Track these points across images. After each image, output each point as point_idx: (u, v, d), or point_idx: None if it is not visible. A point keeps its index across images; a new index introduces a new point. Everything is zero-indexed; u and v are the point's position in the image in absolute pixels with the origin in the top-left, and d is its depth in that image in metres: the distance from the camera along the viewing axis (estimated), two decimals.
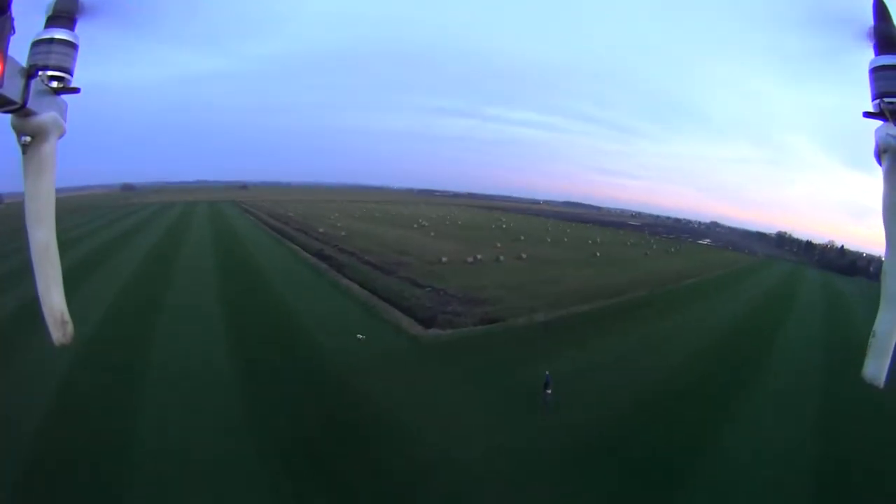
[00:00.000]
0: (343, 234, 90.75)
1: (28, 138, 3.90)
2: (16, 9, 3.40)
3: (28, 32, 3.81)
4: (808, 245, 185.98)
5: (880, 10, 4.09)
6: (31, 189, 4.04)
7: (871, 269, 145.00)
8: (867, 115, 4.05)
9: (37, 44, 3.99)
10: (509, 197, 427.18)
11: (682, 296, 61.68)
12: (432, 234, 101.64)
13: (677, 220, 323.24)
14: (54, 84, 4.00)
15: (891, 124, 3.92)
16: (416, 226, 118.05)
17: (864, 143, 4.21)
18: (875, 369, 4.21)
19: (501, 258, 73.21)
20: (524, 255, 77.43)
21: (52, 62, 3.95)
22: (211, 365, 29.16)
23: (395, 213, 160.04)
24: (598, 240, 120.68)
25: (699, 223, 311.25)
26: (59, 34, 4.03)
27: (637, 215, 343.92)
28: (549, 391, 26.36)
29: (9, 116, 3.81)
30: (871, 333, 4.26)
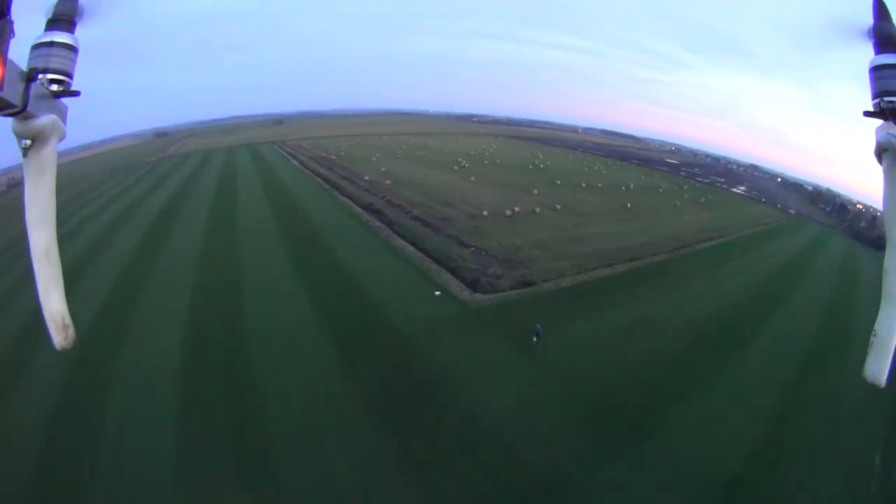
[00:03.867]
0: (388, 182, 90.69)
1: (28, 141, 3.87)
2: (15, 12, 3.37)
3: (28, 36, 3.79)
4: (842, 207, 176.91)
5: (880, 9, 4.15)
6: (31, 192, 4.03)
7: None
8: (867, 113, 4.09)
9: (37, 47, 3.97)
10: (549, 124, 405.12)
11: (695, 262, 60.03)
12: (472, 178, 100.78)
13: (716, 160, 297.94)
14: (54, 87, 3.99)
15: (891, 123, 3.96)
16: (456, 167, 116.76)
17: None
18: (876, 369, 4.22)
19: (538, 210, 73.27)
20: (558, 206, 77.14)
21: (52, 65, 3.95)
22: (301, 320, 35.51)
23: (434, 150, 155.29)
24: (632, 185, 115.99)
25: (738, 165, 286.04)
26: (59, 37, 4.01)
27: (676, 150, 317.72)
28: (536, 339, 32.70)
29: (9, 120, 3.77)
30: (872, 332, 4.26)
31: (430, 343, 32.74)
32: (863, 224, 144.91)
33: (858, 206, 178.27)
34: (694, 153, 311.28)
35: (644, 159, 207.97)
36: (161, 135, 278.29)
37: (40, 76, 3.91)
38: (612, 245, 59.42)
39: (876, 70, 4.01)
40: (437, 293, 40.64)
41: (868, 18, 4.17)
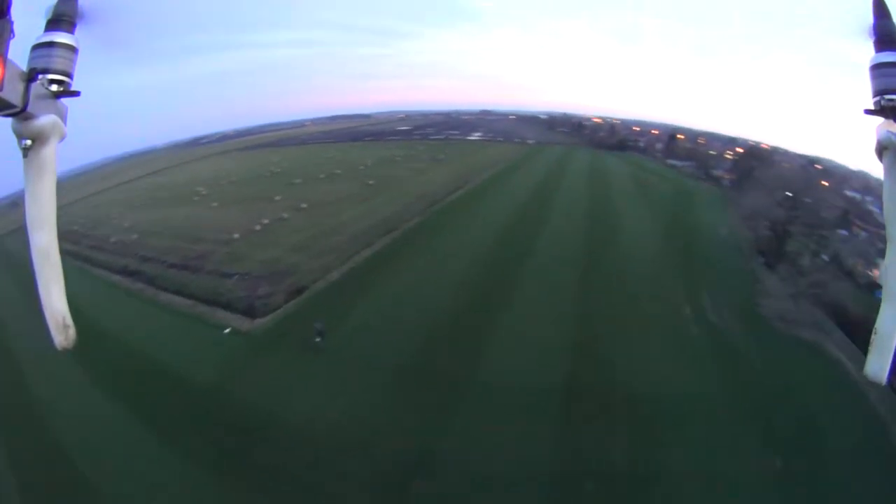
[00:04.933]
0: (135, 236, 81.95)
1: (29, 142, 3.92)
2: (16, 12, 3.43)
3: (28, 36, 3.85)
4: (579, 125, 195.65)
5: (880, 8, 4.18)
6: (32, 192, 4.09)
7: (641, 143, 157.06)
8: (867, 112, 4.12)
9: (37, 47, 4.01)
10: (276, 125, 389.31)
11: (448, 214, 65.26)
12: (214, 204, 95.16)
13: (447, 115, 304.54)
14: (54, 88, 4.04)
15: (891, 121, 3.99)
16: (196, 198, 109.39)
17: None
18: (877, 366, 4.25)
19: (285, 215, 71.84)
20: (304, 205, 76.41)
21: (52, 66, 4.00)
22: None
23: (170, 186, 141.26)
24: (370, 162, 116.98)
25: (469, 114, 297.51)
26: (60, 38, 4.06)
27: (406, 117, 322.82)
28: (319, 339, 33.42)
29: (10, 120, 3.83)
30: (873, 330, 4.29)
31: (228, 385, 31.83)
32: (602, 134, 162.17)
33: (595, 119, 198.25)
34: (424, 115, 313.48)
35: (376, 133, 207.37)
36: None
37: (41, 76, 3.92)
38: (365, 224, 60.90)
39: (876, 68, 4.06)
40: (227, 330, 39.03)
41: (868, 17, 4.23)
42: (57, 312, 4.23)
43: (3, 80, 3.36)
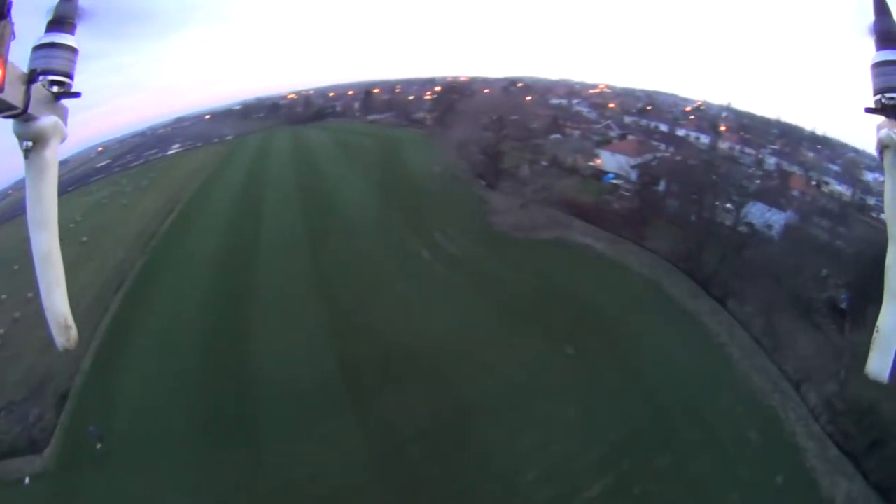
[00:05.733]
0: None
1: (30, 143, 3.95)
2: (16, 13, 3.49)
3: (29, 37, 3.86)
4: (274, 105, 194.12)
5: (880, 6, 4.20)
6: (32, 194, 4.11)
7: (338, 108, 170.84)
8: (868, 110, 4.16)
9: (37, 48, 4.02)
10: None
11: (169, 243, 63.93)
12: None
13: (143, 135, 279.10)
14: (55, 89, 4.06)
15: (892, 120, 4.03)
16: None
17: None
18: (879, 365, 4.27)
19: (17, 315, 60.34)
20: (30, 294, 64.89)
21: (53, 67, 4.01)
22: None
23: None
24: (78, 216, 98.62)
25: (164, 126, 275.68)
26: (60, 39, 4.06)
27: (104, 149, 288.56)
28: (99, 445, 32.87)
29: (10, 122, 3.87)
30: (875, 329, 4.31)
31: None
32: (298, 109, 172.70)
33: (290, 96, 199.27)
34: (121, 141, 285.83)
35: (77, 180, 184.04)
36: None
37: (41, 77, 3.90)
38: (96, 289, 55.54)
39: (876, 67, 4.07)
40: (27, 481, 34.05)
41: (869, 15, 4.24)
42: (59, 313, 4.30)
43: (3, 81, 3.39)
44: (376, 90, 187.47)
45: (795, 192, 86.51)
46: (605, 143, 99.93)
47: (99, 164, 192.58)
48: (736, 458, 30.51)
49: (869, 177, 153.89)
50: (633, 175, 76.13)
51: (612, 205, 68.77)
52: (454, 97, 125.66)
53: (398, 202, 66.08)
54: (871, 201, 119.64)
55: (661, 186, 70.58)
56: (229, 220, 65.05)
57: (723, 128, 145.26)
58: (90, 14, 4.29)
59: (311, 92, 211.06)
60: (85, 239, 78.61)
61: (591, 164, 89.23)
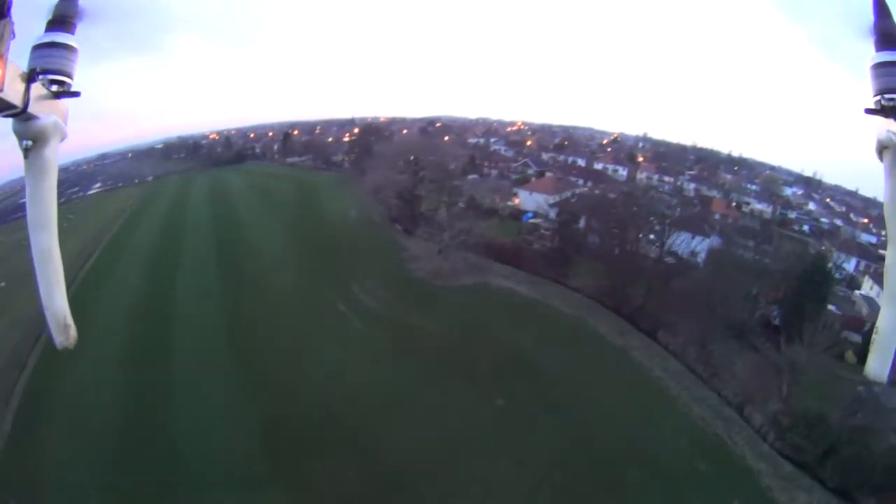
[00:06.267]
0: None
1: (29, 142, 4.10)
2: (16, 12, 3.62)
3: (28, 36, 3.98)
4: (196, 145, 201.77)
5: (881, 6, 4.32)
6: (32, 193, 4.29)
7: (258, 149, 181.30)
8: (868, 111, 4.26)
9: (37, 47, 4.17)
10: None
11: (85, 293, 60.69)
12: None
13: (66, 170, 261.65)
14: (55, 88, 4.22)
15: (891, 121, 4.14)
16: None
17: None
18: (878, 366, 4.42)
19: None
20: None
21: (52, 66, 4.17)
22: None
23: None
24: None
25: (87, 162, 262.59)
26: (60, 38, 4.23)
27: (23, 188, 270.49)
28: None
29: (10, 121, 4.00)
30: (875, 330, 4.45)
31: None
32: (219, 149, 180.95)
33: (212, 136, 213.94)
34: None
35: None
36: None
37: (41, 77, 4.04)
38: (13, 342, 53.60)
39: (876, 68, 4.18)
40: None
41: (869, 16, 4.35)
42: (58, 313, 4.49)
43: (3, 80, 3.53)
44: (296, 131, 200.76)
45: (717, 216, 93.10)
46: (522, 181, 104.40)
47: (22, 200, 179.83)
48: (687, 491, 31.55)
49: (787, 191, 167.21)
50: (552, 213, 79.02)
51: (532, 245, 71.21)
52: (372, 138, 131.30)
53: (315, 251, 66.10)
54: (792, 215, 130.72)
55: (582, 223, 73.53)
56: (147, 268, 64.27)
57: (640, 158, 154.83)
58: (90, 14, 4.47)
59: (233, 132, 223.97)
60: (3, 284, 74.96)
61: (510, 203, 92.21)
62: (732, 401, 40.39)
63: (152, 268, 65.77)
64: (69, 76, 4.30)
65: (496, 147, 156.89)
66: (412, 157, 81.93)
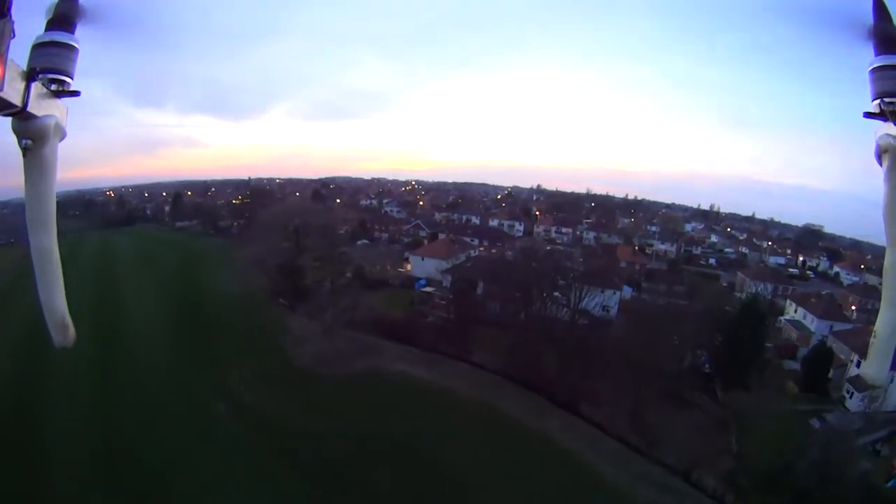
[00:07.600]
0: None
1: (29, 142, 4.22)
2: (16, 12, 3.76)
3: (28, 36, 4.11)
4: (90, 202, 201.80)
5: (880, 10, 4.48)
6: (31, 193, 4.40)
7: (149, 211, 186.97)
8: (867, 115, 4.44)
9: (37, 46, 4.29)
10: None
11: None
12: None
13: None
14: (55, 87, 4.35)
15: (891, 124, 4.28)
16: None
17: None
18: (876, 369, 4.65)
19: None
20: None
21: (52, 65, 4.28)
22: None
23: None
24: None
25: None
26: (60, 37, 4.34)
27: None
28: None
29: (9, 120, 4.13)
30: (872, 333, 4.62)
31: None
32: (112, 209, 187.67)
33: (108, 193, 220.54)
34: None
35: None
36: None
37: (41, 76, 4.16)
38: None
39: (875, 71, 4.34)
40: None
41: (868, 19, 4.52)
42: (57, 312, 4.64)
43: (3, 79, 3.66)
44: (189, 192, 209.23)
45: (623, 264, 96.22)
46: (414, 245, 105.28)
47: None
48: None
49: (687, 228, 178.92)
50: (446, 280, 79.15)
51: (426, 318, 69.88)
52: (261, 202, 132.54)
53: (193, 335, 62.49)
54: (697, 251, 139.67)
55: (480, 288, 72.98)
56: (18, 348, 57.70)
57: (536, 212, 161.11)
58: (90, 13, 4.57)
59: (130, 190, 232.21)
60: None
61: (401, 270, 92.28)
62: (678, 468, 39.80)
63: (24, 350, 58.50)
64: (69, 75, 4.48)
65: (388, 209, 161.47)
66: (294, 225, 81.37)
